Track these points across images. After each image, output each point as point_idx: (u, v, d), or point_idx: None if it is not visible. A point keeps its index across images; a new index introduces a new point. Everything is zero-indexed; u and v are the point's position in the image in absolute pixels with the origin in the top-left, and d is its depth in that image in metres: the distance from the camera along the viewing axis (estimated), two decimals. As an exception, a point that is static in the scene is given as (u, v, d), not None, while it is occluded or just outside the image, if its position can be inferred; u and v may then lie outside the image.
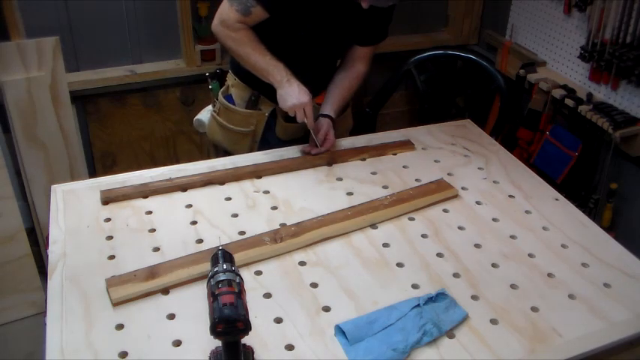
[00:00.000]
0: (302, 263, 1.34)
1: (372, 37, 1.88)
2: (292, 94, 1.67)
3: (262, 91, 1.83)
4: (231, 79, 1.91)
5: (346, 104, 1.93)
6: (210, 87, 2.03)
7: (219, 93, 1.93)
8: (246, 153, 1.86)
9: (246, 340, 1.11)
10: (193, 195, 1.57)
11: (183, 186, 1.59)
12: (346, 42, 1.86)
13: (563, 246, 1.44)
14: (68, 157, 2.30)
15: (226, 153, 1.93)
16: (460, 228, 1.49)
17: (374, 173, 1.70)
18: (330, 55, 1.89)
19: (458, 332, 1.18)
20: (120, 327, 1.15)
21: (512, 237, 1.46)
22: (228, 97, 1.91)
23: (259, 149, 1.87)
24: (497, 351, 1.14)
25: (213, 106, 1.96)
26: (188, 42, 2.59)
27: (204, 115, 2.02)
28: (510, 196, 1.62)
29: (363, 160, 1.77)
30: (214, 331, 0.95)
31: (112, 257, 1.34)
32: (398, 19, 3.06)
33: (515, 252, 1.41)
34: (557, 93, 2.42)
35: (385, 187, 1.64)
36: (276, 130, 1.89)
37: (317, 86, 1.85)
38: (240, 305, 0.96)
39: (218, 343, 1.01)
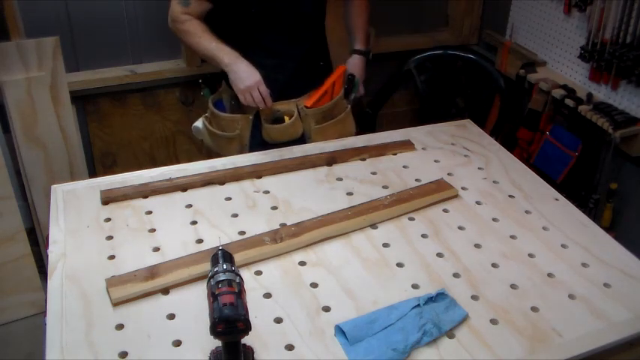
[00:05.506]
0: (302, 263, 1.34)
1: None
2: (242, 74, 1.60)
3: None
4: (223, 83, 1.88)
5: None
6: (202, 93, 2.00)
7: (209, 99, 1.91)
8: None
9: (245, 340, 1.11)
10: (193, 195, 1.57)
11: (183, 186, 1.59)
12: (311, 18, 1.79)
13: (563, 246, 1.44)
14: (68, 157, 2.30)
15: None
16: (460, 228, 1.48)
17: (374, 173, 1.71)
18: (298, 39, 1.79)
19: (458, 332, 1.17)
20: (120, 327, 1.15)
21: (512, 237, 1.46)
22: (219, 102, 1.89)
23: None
24: (497, 351, 1.14)
25: (207, 112, 1.94)
26: (188, 42, 2.59)
27: (200, 122, 1.99)
28: (510, 196, 1.62)
29: (363, 160, 1.77)
30: (214, 331, 0.95)
31: (112, 257, 1.34)
32: (398, 19, 3.09)
33: (515, 252, 1.41)
34: (557, 93, 2.42)
35: (385, 187, 1.64)
36: (262, 134, 1.87)
37: (299, 83, 1.80)
38: (240, 305, 0.96)
39: (218, 343, 1.01)
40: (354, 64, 1.94)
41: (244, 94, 1.62)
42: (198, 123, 1.99)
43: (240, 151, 1.88)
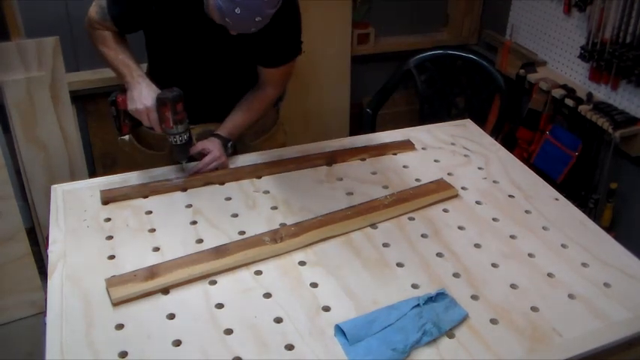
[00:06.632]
0: (302, 263, 1.34)
1: (271, 58, 1.69)
2: (137, 96, 1.54)
3: None
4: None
5: (250, 125, 1.76)
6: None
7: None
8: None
9: (245, 339, 1.12)
10: (193, 195, 1.57)
11: (183, 186, 1.59)
12: (242, 62, 1.71)
13: (563, 246, 1.44)
14: (68, 157, 2.30)
15: None
16: (460, 228, 1.48)
17: (374, 173, 1.70)
18: (226, 75, 1.73)
19: (458, 332, 1.18)
20: (120, 327, 1.15)
21: (512, 237, 1.46)
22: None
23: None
24: (497, 351, 1.14)
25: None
26: (188, 42, 2.59)
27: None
28: (510, 196, 1.62)
29: (363, 160, 1.77)
30: None
31: (112, 257, 1.34)
32: (398, 19, 3.09)
33: (515, 252, 1.41)
34: (557, 93, 2.43)
35: (385, 187, 1.64)
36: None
37: (219, 110, 1.75)
38: None
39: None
40: (210, 141, 1.68)
41: (137, 115, 1.56)
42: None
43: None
